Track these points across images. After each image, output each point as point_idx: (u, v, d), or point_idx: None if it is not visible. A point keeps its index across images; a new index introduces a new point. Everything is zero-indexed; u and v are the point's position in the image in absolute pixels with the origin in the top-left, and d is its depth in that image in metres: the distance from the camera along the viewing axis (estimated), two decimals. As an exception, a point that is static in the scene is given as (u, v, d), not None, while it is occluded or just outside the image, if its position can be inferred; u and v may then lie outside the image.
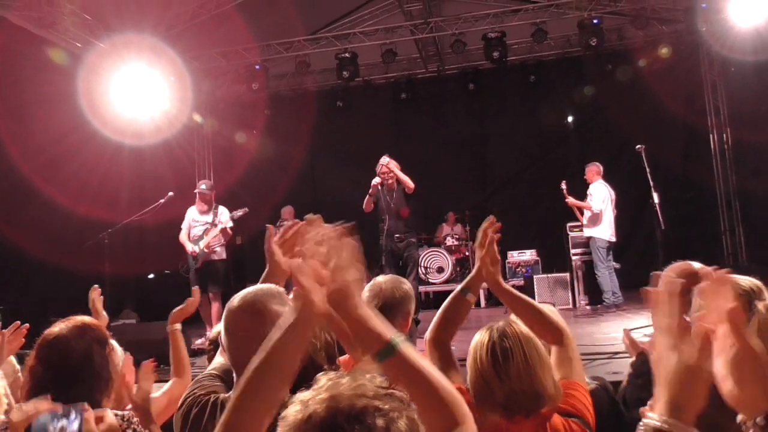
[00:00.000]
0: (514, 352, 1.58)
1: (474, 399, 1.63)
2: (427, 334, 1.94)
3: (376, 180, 5.99)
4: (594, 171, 7.29)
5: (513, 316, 2.20)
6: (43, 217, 7.37)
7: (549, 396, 1.57)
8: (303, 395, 0.88)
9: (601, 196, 7.06)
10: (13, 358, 2.60)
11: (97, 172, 8.13)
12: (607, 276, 6.99)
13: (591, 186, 7.19)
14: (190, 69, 9.32)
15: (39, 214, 7.34)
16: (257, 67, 9.01)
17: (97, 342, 1.78)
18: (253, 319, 1.57)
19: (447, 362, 1.86)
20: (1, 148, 6.65)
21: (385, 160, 6.06)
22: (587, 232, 7.22)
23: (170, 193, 6.17)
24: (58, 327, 1.78)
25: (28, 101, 7.06)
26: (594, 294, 7.49)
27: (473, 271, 1.94)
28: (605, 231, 7.08)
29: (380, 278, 2.39)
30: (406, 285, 2.35)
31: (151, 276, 10.61)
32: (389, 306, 2.19)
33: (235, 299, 1.65)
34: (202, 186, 6.51)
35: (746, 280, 1.70)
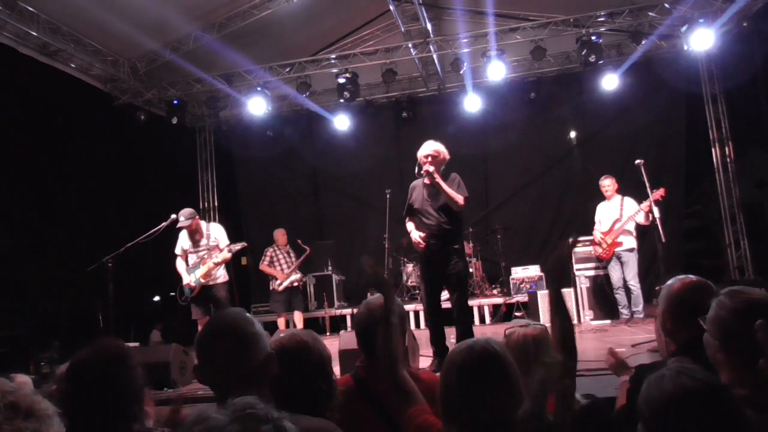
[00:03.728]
0: (483, 376, 1.55)
1: (441, 412, 1.62)
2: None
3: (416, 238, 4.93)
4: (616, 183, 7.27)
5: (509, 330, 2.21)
6: (49, 240, 7.42)
7: (515, 420, 1.55)
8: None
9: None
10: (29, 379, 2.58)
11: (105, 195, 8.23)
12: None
13: (624, 199, 7.08)
14: (193, 91, 9.44)
15: (44, 237, 7.39)
16: (259, 88, 9.09)
17: (117, 360, 1.81)
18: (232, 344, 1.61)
19: (407, 394, 1.88)
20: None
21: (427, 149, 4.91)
22: (631, 244, 7.02)
23: (173, 216, 6.15)
24: (81, 353, 1.83)
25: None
26: (602, 310, 7.43)
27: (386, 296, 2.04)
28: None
29: (372, 298, 2.37)
30: (396, 305, 2.31)
31: (156, 298, 10.63)
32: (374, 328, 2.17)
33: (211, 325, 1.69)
34: (182, 219, 6.10)
35: (757, 293, 1.72)
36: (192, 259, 6.28)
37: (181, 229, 6.25)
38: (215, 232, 6.34)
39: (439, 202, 4.84)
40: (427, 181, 4.90)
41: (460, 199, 4.80)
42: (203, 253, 6.23)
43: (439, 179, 4.79)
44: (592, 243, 7.32)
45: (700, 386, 1.26)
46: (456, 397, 1.57)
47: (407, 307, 7.10)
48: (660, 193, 6.56)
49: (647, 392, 1.31)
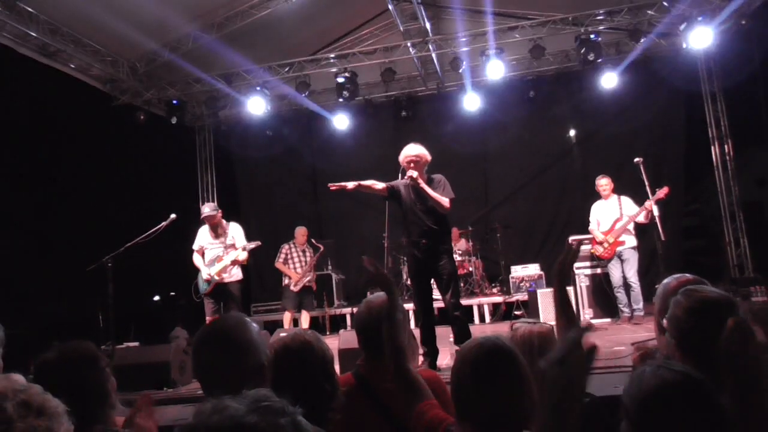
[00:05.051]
0: (496, 372, 1.57)
1: (455, 409, 1.64)
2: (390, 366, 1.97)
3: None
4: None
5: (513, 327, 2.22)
6: (49, 240, 7.41)
7: (528, 416, 1.56)
8: (181, 427, 0.91)
9: None
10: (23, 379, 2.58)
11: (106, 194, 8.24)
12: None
13: (621, 198, 7.05)
14: (192, 91, 9.44)
15: (44, 237, 7.38)
16: (258, 88, 9.09)
17: (85, 361, 1.82)
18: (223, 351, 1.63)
19: (415, 390, 1.89)
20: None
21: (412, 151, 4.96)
22: (633, 242, 6.98)
23: (173, 215, 6.17)
24: (48, 354, 1.83)
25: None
26: (602, 308, 7.43)
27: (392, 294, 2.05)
28: None
29: (372, 297, 2.38)
30: None
31: (156, 298, 10.63)
32: (379, 328, 2.18)
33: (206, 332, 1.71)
34: (206, 210, 6.33)
35: (717, 293, 1.73)
36: (209, 255, 6.36)
37: (203, 222, 6.41)
38: (234, 231, 6.45)
39: (427, 204, 4.89)
40: (410, 183, 4.93)
41: (445, 202, 4.85)
42: (220, 250, 6.31)
43: (423, 185, 4.83)
44: (593, 242, 7.27)
45: (680, 378, 1.28)
46: (470, 393, 1.58)
47: (406, 306, 7.10)
48: (664, 191, 6.56)
49: (629, 388, 1.33)
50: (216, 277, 6.21)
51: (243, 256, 6.27)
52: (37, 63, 7.48)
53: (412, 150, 5.00)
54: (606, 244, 7.05)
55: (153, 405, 2.06)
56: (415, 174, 4.83)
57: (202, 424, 0.88)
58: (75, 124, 8.13)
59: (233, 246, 6.32)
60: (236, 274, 6.38)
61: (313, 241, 8.18)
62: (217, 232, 6.38)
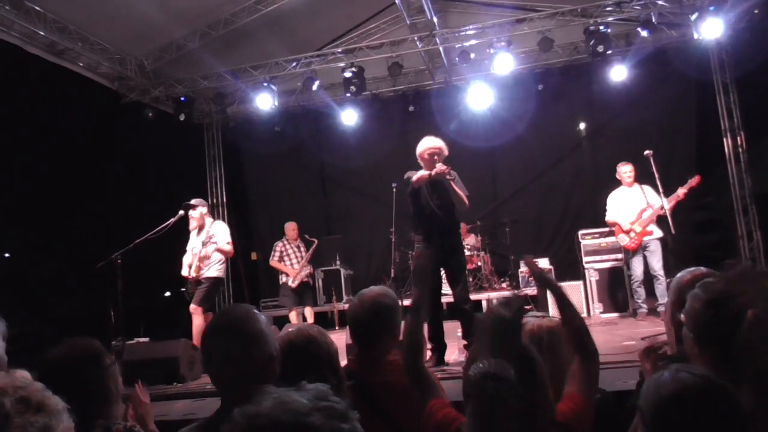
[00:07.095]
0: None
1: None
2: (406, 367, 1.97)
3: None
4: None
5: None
6: (59, 237, 7.47)
7: (539, 415, 1.53)
8: (241, 410, 0.87)
9: None
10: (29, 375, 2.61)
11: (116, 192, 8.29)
12: None
13: (643, 187, 6.75)
14: (200, 88, 9.46)
15: (54, 234, 7.45)
16: (265, 84, 9.08)
17: (89, 359, 1.83)
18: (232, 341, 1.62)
19: (427, 387, 1.90)
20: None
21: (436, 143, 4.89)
22: (659, 233, 6.65)
23: (181, 212, 6.19)
24: (54, 351, 1.84)
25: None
26: (612, 303, 7.38)
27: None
28: None
29: (366, 291, 2.37)
30: (388, 297, 2.30)
31: (166, 294, 10.70)
32: (371, 321, 2.17)
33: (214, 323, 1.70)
34: (192, 201, 6.34)
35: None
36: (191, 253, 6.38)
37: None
38: (215, 230, 6.34)
39: (442, 199, 4.83)
40: (430, 174, 4.79)
41: (466, 199, 4.82)
42: (197, 248, 6.26)
43: (452, 181, 4.75)
44: (617, 232, 6.91)
45: (700, 383, 1.25)
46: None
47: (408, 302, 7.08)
48: (695, 180, 6.40)
49: (646, 389, 1.30)
50: (194, 274, 6.20)
51: (210, 250, 6.19)
52: (45, 62, 7.52)
53: (434, 142, 4.90)
54: (633, 234, 6.71)
55: (141, 397, 2.12)
56: (445, 168, 4.72)
57: (264, 415, 0.85)
58: (84, 123, 8.18)
59: (212, 243, 6.27)
60: (214, 270, 6.27)
61: (306, 236, 8.10)
62: (197, 230, 6.37)
